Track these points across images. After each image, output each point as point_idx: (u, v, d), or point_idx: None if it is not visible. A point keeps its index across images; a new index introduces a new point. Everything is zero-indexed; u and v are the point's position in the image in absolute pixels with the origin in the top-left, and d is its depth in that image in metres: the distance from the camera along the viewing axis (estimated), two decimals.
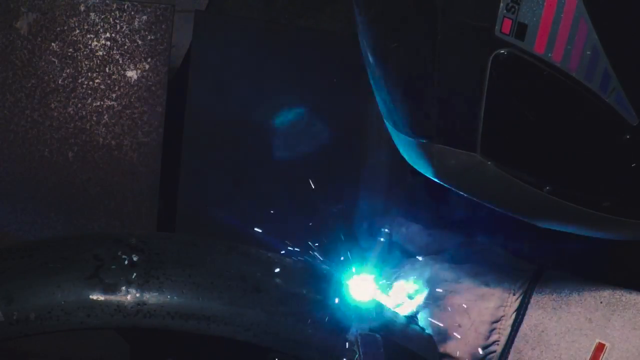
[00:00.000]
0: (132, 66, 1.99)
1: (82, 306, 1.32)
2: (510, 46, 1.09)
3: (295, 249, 1.57)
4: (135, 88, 1.99)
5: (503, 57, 1.10)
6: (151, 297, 1.34)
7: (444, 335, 1.47)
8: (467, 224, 1.60)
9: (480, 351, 1.45)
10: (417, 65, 1.17)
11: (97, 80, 1.98)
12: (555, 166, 1.17)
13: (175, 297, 1.35)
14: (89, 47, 1.97)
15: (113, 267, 1.36)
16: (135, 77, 1.99)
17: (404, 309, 1.53)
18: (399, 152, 1.34)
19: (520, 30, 1.08)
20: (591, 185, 1.18)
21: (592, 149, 1.15)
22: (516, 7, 1.08)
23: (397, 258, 1.65)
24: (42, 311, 1.32)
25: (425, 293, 1.50)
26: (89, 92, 1.98)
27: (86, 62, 1.98)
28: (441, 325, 1.47)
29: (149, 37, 1.98)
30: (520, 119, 1.13)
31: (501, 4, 1.08)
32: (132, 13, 1.98)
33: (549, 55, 1.09)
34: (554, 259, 1.51)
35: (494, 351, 1.45)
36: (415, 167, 1.29)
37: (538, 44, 1.08)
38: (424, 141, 1.22)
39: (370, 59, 1.26)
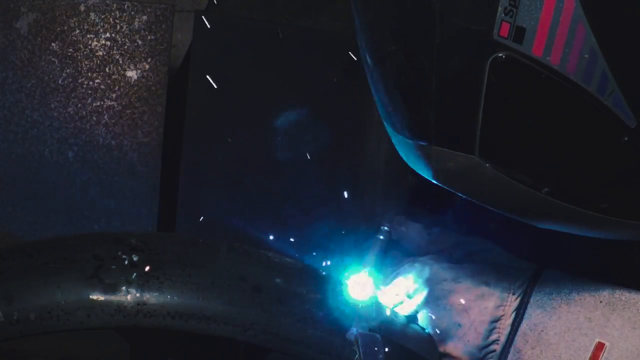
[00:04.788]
0: (132, 66, 1.99)
1: (82, 306, 1.32)
2: (509, 49, 1.09)
3: (296, 248, 1.57)
4: (135, 88, 1.99)
5: (501, 60, 1.10)
6: (151, 297, 1.34)
7: (444, 335, 1.47)
8: (467, 224, 1.60)
9: (480, 351, 1.45)
10: (415, 68, 1.17)
11: (97, 80, 1.98)
12: (554, 168, 1.17)
13: (175, 297, 1.35)
14: (89, 47, 1.98)
15: (113, 267, 1.36)
16: (135, 77, 1.99)
17: (404, 309, 1.53)
18: (398, 151, 1.34)
19: (519, 33, 1.08)
20: (589, 187, 1.18)
21: (590, 151, 1.15)
22: (514, 10, 1.08)
23: (397, 257, 1.65)
24: (42, 311, 1.32)
25: (425, 293, 1.50)
26: (89, 92, 1.98)
27: (86, 62, 1.98)
28: (441, 325, 1.47)
29: (149, 37, 1.98)
30: (518, 121, 1.13)
31: (499, 8, 1.08)
32: (132, 13, 1.98)
33: (547, 58, 1.09)
34: (554, 259, 1.51)
35: (494, 350, 1.45)
36: (414, 168, 1.29)
37: (536, 47, 1.08)
38: (422, 143, 1.22)
39: (369, 61, 1.26)
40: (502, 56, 1.10)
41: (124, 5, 1.98)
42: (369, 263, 1.57)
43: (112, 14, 1.98)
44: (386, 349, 1.37)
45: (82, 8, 1.97)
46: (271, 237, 1.74)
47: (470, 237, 1.57)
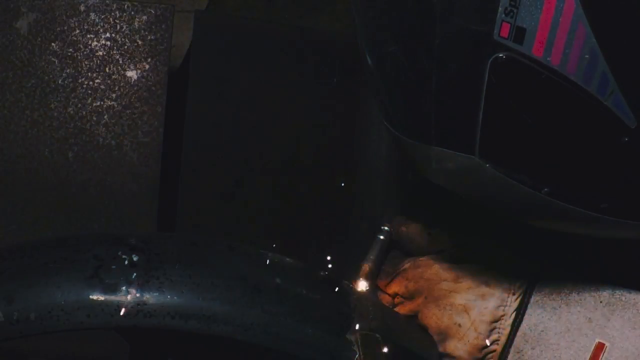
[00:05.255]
0: (132, 66, 1.98)
1: (82, 306, 1.32)
2: (509, 50, 1.09)
3: (296, 249, 1.57)
4: (135, 88, 1.98)
5: (501, 60, 1.10)
6: (151, 297, 1.34)
7: (444, 335, 1.47)
8: (467, 224, 1.60)
9: (480, 351, 1.46)
10: (415, 68, 1.17)
11: (97, 80, 1.98)
12: (554, 168, 1.17)
13: (175, 297, 1.35)
14: (89, 47, 1.97)
15: (113, 267, 1.36)
16: (135, 77, 1.98)
17: (404, 309, 1.53)
18: (398, 151, 1.34)
19: (519, 34, 1.09)
20: (589, 187, 1.18)
21: (590, 152, 1.15)
22: (515, 11, 1.08)
23: (397, 257, 1.65)
24: (42, 311, 1.32)
25: (425, 293, 1.50)
26: (89, 92, 1.98)
27: (86, 62, 1.97)
28: (441, 325, 1.47)
29: (149, 37, 1.98)
30: (518, 121, 1.14)
31: (500, 8, 1.08)
32: (132, 13, 1.98)
33: (547, 58, 1.09)
34: (554, 259, 1.51)
35: (494, 350, 1.45)
36: (414, 168, 1.30)
37: (536, 48, 1.09)
38: (423, 144, 1.22)
39: (369, 61, 1.26)
40: (502, 56, 1.10)
41: (124, 5, 1.97)
42: (369, 263, 1.57)
43: (112, 14, 1.97)
44: (386, 349, 1.37)
45: (82, 8, 1.96)
46: (271, 238, 1.74)
47: (470, 237, 1.57)
